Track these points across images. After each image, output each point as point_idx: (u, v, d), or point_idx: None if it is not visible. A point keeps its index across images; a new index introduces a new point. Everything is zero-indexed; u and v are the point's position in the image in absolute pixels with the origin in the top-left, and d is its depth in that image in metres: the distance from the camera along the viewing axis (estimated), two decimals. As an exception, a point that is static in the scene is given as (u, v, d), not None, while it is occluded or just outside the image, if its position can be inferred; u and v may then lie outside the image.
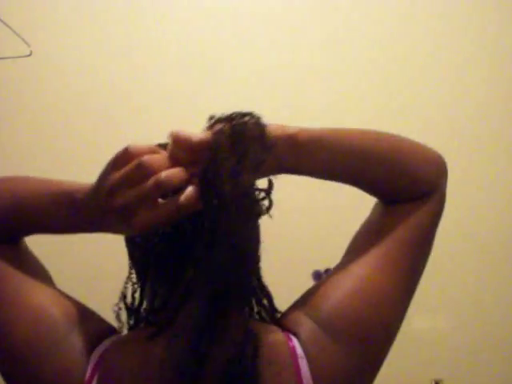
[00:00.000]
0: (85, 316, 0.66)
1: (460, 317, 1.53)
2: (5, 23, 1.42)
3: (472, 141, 1.60)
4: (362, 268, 0.66)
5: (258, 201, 0.66)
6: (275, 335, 0.63)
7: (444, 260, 1.55)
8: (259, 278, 0.71)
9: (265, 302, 0.70)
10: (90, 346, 0.62)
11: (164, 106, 1.55)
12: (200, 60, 1.57)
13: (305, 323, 0.63)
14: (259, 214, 0.67)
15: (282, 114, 1.57)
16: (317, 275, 1.52)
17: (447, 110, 1.60)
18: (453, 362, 1.51)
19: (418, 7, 1.62)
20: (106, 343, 0.63)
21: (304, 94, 1.58)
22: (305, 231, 1.53)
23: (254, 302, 0.69)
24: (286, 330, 0.64)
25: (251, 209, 0.63)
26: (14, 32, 1.41)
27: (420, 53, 1.61)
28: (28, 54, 1.42)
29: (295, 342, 0.62)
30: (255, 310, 0.70)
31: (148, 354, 0.61)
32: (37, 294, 0.65)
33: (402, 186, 0.68)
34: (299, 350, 0.61)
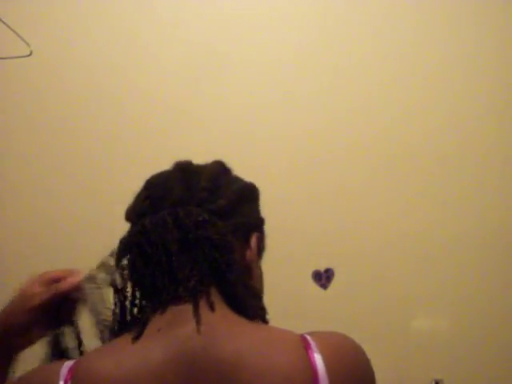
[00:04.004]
0: None
1: (460, 317, 1.53)
2: (5, 23, 1.42)
3: (474, 141, 1.60)
4: None
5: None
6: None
7: (444, 260, 1.55)
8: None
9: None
10: (58, 364, 0.65)
11: (166, 106, 1.55)
12: (204, 63, 1.57)
13: None
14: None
15: (284, 112, 1.57)
16: (317, 275, 1.53)
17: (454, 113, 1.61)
18: (453, 362, 1.51)
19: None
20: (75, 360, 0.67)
21: (306, 94, 1.58)
22: (305, 231, 1.53)
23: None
24: None
25: None
26: (14, 32, 1.41)
27: (422, 52, 1.61)
28: (28, 54, 1.42)
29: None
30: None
31: (124, 355, 0.64)
32: None
33: None
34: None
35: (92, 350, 0.70)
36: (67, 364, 0.64)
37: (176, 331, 0.65)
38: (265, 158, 1.52)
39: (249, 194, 0.80)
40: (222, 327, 0.65)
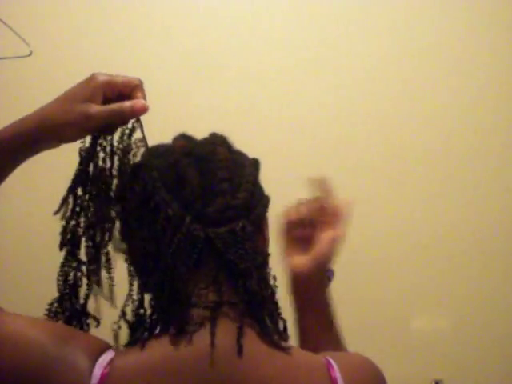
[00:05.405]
0: (71, 333, 0.66)
1: (460, 317, 1.53)
2: (5, 23, 1.42)
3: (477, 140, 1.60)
4: None
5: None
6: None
7: (444, 260, 1.55)
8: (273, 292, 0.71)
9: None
10: (89, 363, 0.61)
11: (166, 106, 1.54)
12: (202, 62, 1.58)
13: None
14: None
15: (282, 114, 1.57)
16: (317, 275, 1.52)
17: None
18: (453, 362, 1.51)
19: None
20: (107, 356, 0.63)
21: (304, 94, 1.58)
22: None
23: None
24: None
25: None
26: (14, 32, 1.41)
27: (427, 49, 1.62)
28: (28, 54, 1.42)
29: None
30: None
31: (154, 360, 0.62)
32: (8, 322, 0.64)
33: None
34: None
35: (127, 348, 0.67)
36: (99, 366, 0.62)
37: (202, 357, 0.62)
38: (264, 160, 1.52)
39: (257, 175, 0.75)
40: (249, 352, 0.63)
